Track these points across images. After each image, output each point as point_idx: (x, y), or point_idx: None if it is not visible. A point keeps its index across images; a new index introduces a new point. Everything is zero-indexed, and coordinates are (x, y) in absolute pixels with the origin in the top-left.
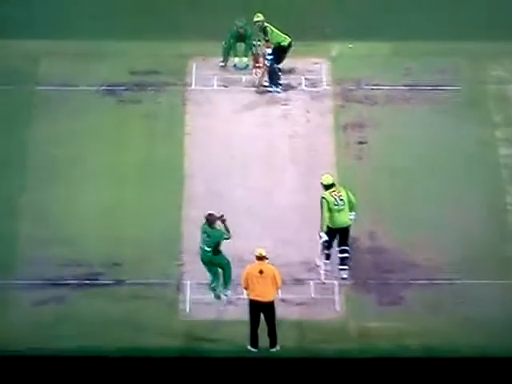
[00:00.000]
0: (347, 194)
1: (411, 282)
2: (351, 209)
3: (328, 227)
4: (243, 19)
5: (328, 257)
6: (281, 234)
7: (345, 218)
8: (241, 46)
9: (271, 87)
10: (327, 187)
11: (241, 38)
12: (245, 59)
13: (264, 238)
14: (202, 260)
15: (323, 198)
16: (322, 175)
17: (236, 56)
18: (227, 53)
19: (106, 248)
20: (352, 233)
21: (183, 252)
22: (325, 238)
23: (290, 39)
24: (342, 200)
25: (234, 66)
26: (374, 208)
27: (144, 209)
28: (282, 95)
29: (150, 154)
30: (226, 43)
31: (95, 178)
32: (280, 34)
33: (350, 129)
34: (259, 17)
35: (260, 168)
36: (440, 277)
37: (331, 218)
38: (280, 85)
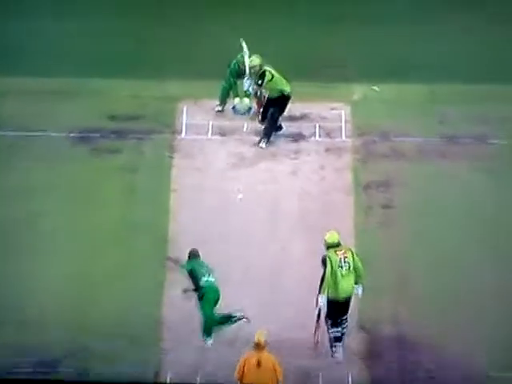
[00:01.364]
0: (353, 258)
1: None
2: (358, 278)
3: (329, 299)
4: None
5: (337, 339)
6: (286, 313)
7: (349, 286)
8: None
9: (263, 139)
10: (332, 247)
11: (243, 76)
12: (246, 100)
13: (265, 318)
14: (213, 299)
15: (327, 256)
16: (326, 232)
17: (237, 96)
18: (226, 94)
19: (70, 331)
20: (371, 315)
21: (164, 339)
22: (324, 303)
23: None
24: (347, 263)
25: (233, 108)
26: (399, 285)
27: (119, 281)
28: (292, 147)
29: (128, 214)
30: (225, 82)
31: (61, 243)
32: (282, 79)
33: (373, 189)
34: (254, 61)
35: (262, 235)
36: (476, 373)
37: (333, 284)
38: (269, 139)
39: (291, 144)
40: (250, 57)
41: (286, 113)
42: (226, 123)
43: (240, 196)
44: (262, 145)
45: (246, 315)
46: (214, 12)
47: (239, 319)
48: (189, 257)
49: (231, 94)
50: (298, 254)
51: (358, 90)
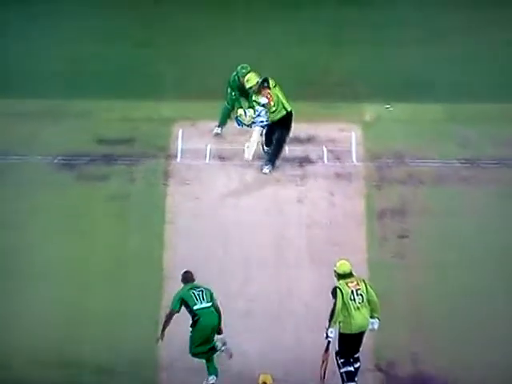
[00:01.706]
0: (367, 290)
1: None
2: (373, 312)
3: (341, 333)
4: (247, 65)
5: (350, 378)
6: (294, 354)
7: (363, 320)
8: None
9: (267, 164)
10: (343, 277)
11: (244, 91)
12: (251, 111)
13: (271, 360)
14: (208, 328)
15: (337, 288)
16: (337, 261)
17: (240, 108)
18: (227, 116)
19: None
20: (388, 354)
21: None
22: (334, 336)
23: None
24: (360, 295)
25: (237, 119)
26: (418, 322)
27: (110, 321)
28: (298, 172)
29: (119, 247)
30: (228, 103)
31: (44, 277)
32: (283, 100)
33: (388, 217)
34: (252, 81)
35: (266, 268)
36: None
37: (346, 318)
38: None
39: (297, 169)
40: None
41: (290, 135)
42: (225, 147)
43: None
44: (266, 170)
45: (243, 349)
46: (213, 26)
47: (221, 351)
48: (182, 280)
49: (235, 105)
50: (305, 288)
51: (370, 110)
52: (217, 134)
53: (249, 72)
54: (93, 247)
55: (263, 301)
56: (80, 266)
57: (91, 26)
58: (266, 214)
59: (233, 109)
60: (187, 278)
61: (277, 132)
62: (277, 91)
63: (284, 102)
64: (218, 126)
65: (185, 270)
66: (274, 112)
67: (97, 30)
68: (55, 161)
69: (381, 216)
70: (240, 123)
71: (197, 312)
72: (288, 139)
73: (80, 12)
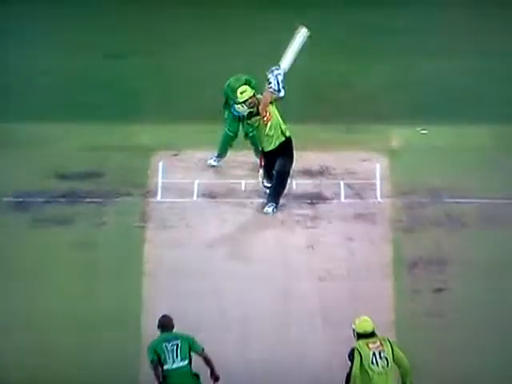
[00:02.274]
0: (393, 353)
1: None
2: (404, 377)
3: None
4: (242, 76)
5: None
6: None
7: None
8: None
9: (269, 202)
10: (363, 336)
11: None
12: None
13: None
14: None
15: (355, 349)
16: (356, 319)
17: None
18: (227, 143)
19: None
20: None
21: None
22: None
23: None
24: (384, 359)
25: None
26: None
27: None
28: (308, 212)
29: (87, 307)
30: (228, 127)
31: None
32: (282, 122)
33: (422, 267)
34: (246, 93)
35: (269, 329)
36: None
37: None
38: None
39: (307, 208)
40: (250, 82)
41: (298, 166)
42: (217, 182)
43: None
44: (268, 210)
45: None
46: (203, 33)
47: None
48: (158, 327)
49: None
50: (316, 356)
51: (399, 134)
52: (212, 166)
53: (250, 81)
54: (55, 308)
55: (265, 375)
56: (40, 332)
57: (49, 31)
58: (269, 265)
59: (235, 136)
60: (164, 324)
61: (277, 163)
62: (275, 110)
63: (282, 125)
64: (217, 157)
65: (163, 314)
66: (270, 137)
67: (56, 37)
68: (4, 200)
69: (412, 266)
70: (237, 112)
71: (166, 373)
72: (292, 170)
73: (36, 14)
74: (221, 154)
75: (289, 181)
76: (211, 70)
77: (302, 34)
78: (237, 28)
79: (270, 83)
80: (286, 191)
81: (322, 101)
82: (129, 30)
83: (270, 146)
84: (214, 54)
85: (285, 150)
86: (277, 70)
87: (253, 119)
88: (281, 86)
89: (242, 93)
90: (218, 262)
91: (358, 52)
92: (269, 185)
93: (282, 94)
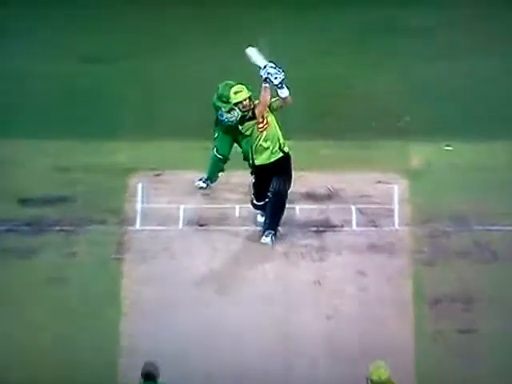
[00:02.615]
0: None
1: None
2: None
3: None
4: (231, 83)
5: None
6: None
7: None
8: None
9: (267, 231)
10: None
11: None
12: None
13: None
14: None
15: None
16: (370, 365)
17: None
18: (217, 164)
19: None
20: None
21: None
22: None
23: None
24: None
25: (221, 115)
26: None
27: None
28: (314, 242)
29: (57, 345)
30: (217, 149)
31: None
32: (280, 135)
33: (446, 305)
34: (240, 95)
35: (270, 377)
36: None
37: None
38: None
39: (313, 238)
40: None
41: (302, 188)
42: (207, 207)
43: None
44: (267, 240)
45: None
46: (191, 34)
47: None
48: (142, 375)
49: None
50: None
51: (420, 151)
52: (200, 189)
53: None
54: (16, 353)
55: None
56: (6, 372)
57: (14, 32)
58: (268, 304)
59: (225, 160)
60: (148, 372)
61: (274, 182)
62: (274, 120)
63: (281, 138)
64: (207, 179)
65: (147, 361)
66: (265, 149)
67: (22, 38)
68: None
69: (434, 303)
70: (225, 119)
71: None
72: (289, 190)
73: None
74: (210, 178)
75: (287, 204)
76: (201, 77)
77: (250, 52)
78: (232, 29)
79: (266, 80)
80: (286, 217)
81: (328, 112)
82: (106, 32)
83: (263, 160)
84: (205, 59)
85: (282, 169)
86: (271, 67)
87: (246, 124)
88: (279, 80)
89: (236, 93)
90: (208, 300)
91: (366, 55)
92: (260, 203)
93: (284, 92)
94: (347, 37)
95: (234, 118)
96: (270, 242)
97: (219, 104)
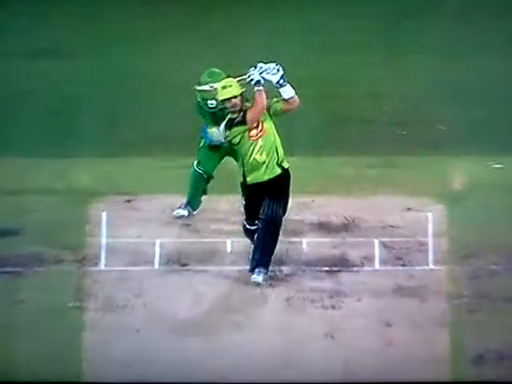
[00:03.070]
0: None
1: None
2: None
3: None
4: (218, 71)
5: None
6: None
7: None
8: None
9: (258, 266)
10: None
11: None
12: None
13: None
14: None
15: None
16: None
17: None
18: (199, 185)
19: None
20: None
21: None
22: None
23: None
24: None
25: (205, 133)
26: None
27: None
28: (326, 285)
29: None
30: (198, 164)
31: None
32: (279, 146)
33: (490, 363)
34: (224, 93)
35: None
36: None
37: None
38: None
39: (325, 279)
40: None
41: (311, 216)
42: (189, 241)
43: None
44: (258, 278)
45: None
46: (168, 23)
47: None
48: None
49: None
50: None
51: (460, 170)
52: (180, 217)
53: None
54: None
55: None
56: None
57: None
58: (268, 361)
59: (208, 176)
60: None
61: (265, 206)
62: (273, 127)
63: (280, 150)
64: (186, 205)
65: None
66: (259, 164)
67: None
68: None
69: (477, 361)
70: (211, 138)
71: None
72: (285, 216)
73: None
74: (191, 202)
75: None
76: (182, 78)
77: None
78: (226, 17)
79: (259, 82)
80: (292, 254)
81: (344, 119)
82: (61, 24)
83: (256, 177)
84: (185, 54)
85: (278, 190)
86: (262, 68)
87: (234, 130)
88: (278, 76)
89: (224, 87)
90: (190, 357)
91: (390, 52)
92: (254, 227)
93: (288, 91)
94: (367, 34)
95: (217, 136)
96: (261, 281)
97: (201, 96)
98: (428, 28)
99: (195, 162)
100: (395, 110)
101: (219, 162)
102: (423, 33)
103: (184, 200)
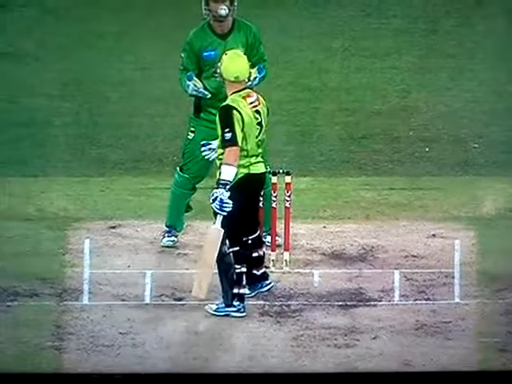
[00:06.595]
0: None
1: None
2: None
3: None
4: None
5: None
6: None
7: None
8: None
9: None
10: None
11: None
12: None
13: None
14: None
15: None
16: None
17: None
18: (179, 205)
19: None
20: None
21: None
22: None
23: None
24: None
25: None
26: None
27: None
28: (340, 321)
29: None
30: (179, 174)
31: None
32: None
33: None
34: (233, 72)
35: None
36: None
37: None
38: None
39: (338, 315)
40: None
41: (324, 245)
42: (184, 272)
43: None
44: (210, 306)
45: None
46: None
47: None
48: None
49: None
50: None
51: (493, 192)
52: (169, 247)
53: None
54: None
55: None
56: None
57: None
58: None
59: (193, 186)
60: None
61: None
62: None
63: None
64: (169, 231)
65: None
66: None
67: None
68: None
69: None
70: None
71: None
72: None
73: None
74: (172, 225)
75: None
76: (171, 85)
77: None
78: None
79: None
80: (301, 287)
81: (361, 134)
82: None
83: (261, 167)
84: (171, 52)
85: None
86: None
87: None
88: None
89: (232, 61)
90: None
91: (417, 58)
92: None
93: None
94: (386, 42)
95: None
96: (212, 311)
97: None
98: (470, 34)
99: (178, 168)
100: (420, 123)
101: (206, 169)
102: (466, 39)
103: (164, 227)
